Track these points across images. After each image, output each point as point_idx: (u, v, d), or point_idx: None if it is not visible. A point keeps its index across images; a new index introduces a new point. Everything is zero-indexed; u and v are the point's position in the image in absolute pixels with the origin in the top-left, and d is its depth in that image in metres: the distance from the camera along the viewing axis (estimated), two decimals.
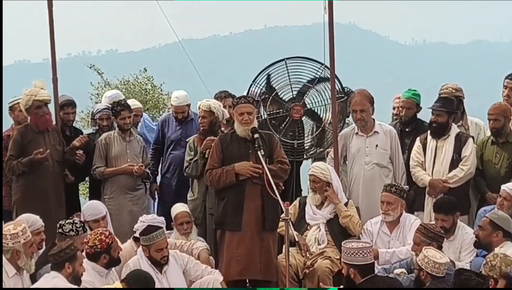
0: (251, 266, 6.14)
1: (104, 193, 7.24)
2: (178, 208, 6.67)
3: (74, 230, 5.75)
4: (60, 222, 5.83)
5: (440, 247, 5.75)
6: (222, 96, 7.71)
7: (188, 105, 7.94)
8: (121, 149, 7.28)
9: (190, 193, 7.24)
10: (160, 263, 5.74)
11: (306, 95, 7.35)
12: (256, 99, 6.92)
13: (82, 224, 5.87)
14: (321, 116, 7.39)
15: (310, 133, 7.49)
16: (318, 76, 7.29)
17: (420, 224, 6.01)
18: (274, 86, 7.38)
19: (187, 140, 7.42)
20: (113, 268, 5.59)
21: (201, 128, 7.15)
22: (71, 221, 5.84)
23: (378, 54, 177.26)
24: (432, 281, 5.31)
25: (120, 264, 5.93)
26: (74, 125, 7.97)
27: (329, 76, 7.12)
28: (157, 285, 5.51)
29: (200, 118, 7.13)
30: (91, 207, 6.49)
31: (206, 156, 6.70)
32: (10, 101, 7.44)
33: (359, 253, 5.24)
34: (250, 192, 6.16)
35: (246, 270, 6.14)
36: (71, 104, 7.58)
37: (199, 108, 7.15)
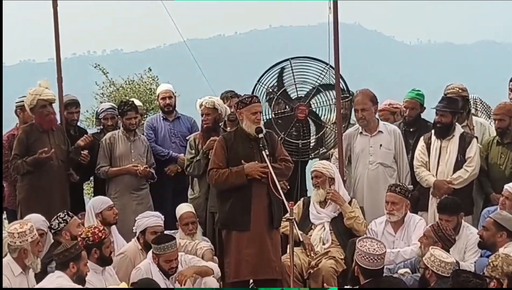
0: (263, 266, 6.06)
1: (109, 193, 7.24)
2: (183, 208, 6.66)
3: (62, 222, 5.86)
4: (47, 226, 5.91)
5: (446, 250, 5.75)
6: (229, 96, 7.73)
7: (174, 96, 7.99)
8: (125, 149, 7.29)
9: (191, 191, 7.24)
10: (167, 273, 5.72)
11: (312, 97, 7.33)
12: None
13: (65, 213, 5.94)
14: (323, 118, 7.37)
15: (314, 133, 7.47)
16: (328, 83, 7.25)
17: (437, 221, 5.99)
18: (280, 85, 7.37)
19: (187, 138, 7.42)
20: (110, 266, 5.60)
21: (204, 125, 7.10)
22: (54, 217, 5.93)
23: (383, 54, 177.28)
24: (437, 280, 5.29)
25: (125, 263, 5.97)
26: (78, 124, 8.00)
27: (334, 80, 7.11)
28: None
29: (204, 115, 7.08)
30: (99, 200, 6.54)
31: (209, 156, 6.63)
32: (17, 100, 7.45)
33: (365, 257, 5.21)
34: (257, 191, 6.09)
35: (257, 270, 6.06)
36: (75, 103, 7.60)
37: (201, 105, 7.10)
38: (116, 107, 7.74)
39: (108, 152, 7.28)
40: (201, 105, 7.12)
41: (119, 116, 7.49)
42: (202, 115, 7.14)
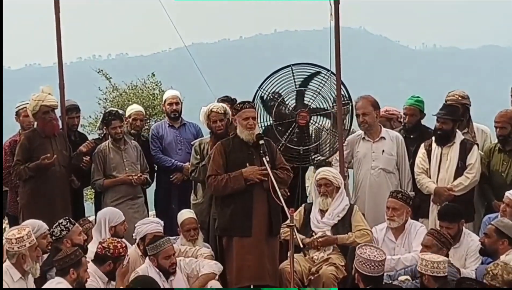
0: (262, 272, 6.10)
1: (105, 201, 7.26)
2: (185, 215, 6.66)
3: (64, 229, 5.81)
4: (49, 232, 5.86)
5: (447, 254, 5.77)
6: (224, 100, 7.71)
7: (181, 102, 8.03)
8: (118, 159, 7.31)
9: (193, 197, 7.24)
10: (169, 272, 5.73)
11: (304, 96, 7.29)
12: (253, 102, 6.82)
13: (67, 220, 5.89)
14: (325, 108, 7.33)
15: (314, 139, 7.45)
16: (309, 74, 7.24)
17: (432, 228, 6.02)
18: (280, 92, 7.37)
19: (192, 143, 7.42)
20: (113, 282, 5.58)
21: (218, 131, 7.02)
22: (56, 224, 5.87)
23: (388, 58, 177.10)
24: (437, 283, 5.27)
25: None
26: (81, 129, 8.01)
27: (322, 72, 7.11)
28: None
29: (217, 121, 7.03)
30: (115, 213, 6.46)
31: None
32: (17, 105, 7.49)
33: (365, 264, 5.22)
34: (258, 197, 6.12)
35: (258, 275, 6.09)
36: (75, 108, 7.63)
37: (210, 112, 7.05)
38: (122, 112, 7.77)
39: (101, 165, 7.29)
40: (210, 112, 7.06)
41: (104, 127, 7.50)
42: (214, 122, 7.02)
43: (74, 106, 7.62)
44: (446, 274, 5.28)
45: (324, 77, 7.25)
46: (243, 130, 6.17)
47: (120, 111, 7.71)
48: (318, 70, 7.28)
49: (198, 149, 7.17)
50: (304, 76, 7.31)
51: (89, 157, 7.24)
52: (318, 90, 7.28)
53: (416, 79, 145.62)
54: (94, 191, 7.96)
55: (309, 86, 7.31)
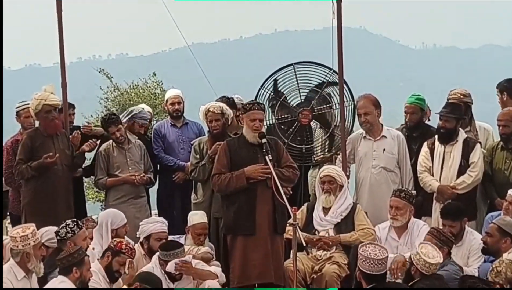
0: (267, 270, 6.09)
1: (107, 200, 7.29)
2: (199, 218, 6.57)
3: (70, 231, 5.78)
4: (54, 231, 5.84)
5: (449, 253, 5.76)
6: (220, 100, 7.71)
7: (183, 101, 8.03)
8: (121, 159, 7.31)
9: (194, 196, 7.22)
10: (175, 278, 5.74)
11: (314, 100, 7.33)
12: (263, 103, 6.83)
13: (75, 223, 5.85)
14: (329, 120, 7.37)
15: (318, 138, 7.46)
16: (326, 81, 7.28)
17: (432, 227, 6.01)
18: (282, 91, 7.37)
19: (191, 142, 7.41)
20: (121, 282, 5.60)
21: (214, 131, 7.01)
22: (63, 224, 5.84)
23: (388, 58, 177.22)
24: (421, 278, 5.29)
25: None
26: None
27: (337, 80, 7.12)
28: None
29: (213, 121, 7.01)
30: (118, 215, 6.40)
31: (214, 160, 6.63)
32: (17, 106, 7.48)
33: (367, 262, 5.20)
34: (262, 195, 6.10)
35: (264, 273, 6.08)
36: (71, 106, 7.61)
37: (207, 111, 7.02)
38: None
39: (104, 164, 7.30)
40: (207, 111, 7.03)
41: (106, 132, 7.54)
42: (210, 121, 7.00)
43: (69, 103, 7.59)
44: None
45: (326, 75, 7.26)
46: (249, 131, 6.14)
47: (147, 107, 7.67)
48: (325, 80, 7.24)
49: (198, 148, 7.15)
50: (311, 80, 7.31)
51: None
52: (320, 90, 7.29)
53: (416, 78, 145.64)
54: (99, 191, 7.97)
55: (311, 85, 7.32)
